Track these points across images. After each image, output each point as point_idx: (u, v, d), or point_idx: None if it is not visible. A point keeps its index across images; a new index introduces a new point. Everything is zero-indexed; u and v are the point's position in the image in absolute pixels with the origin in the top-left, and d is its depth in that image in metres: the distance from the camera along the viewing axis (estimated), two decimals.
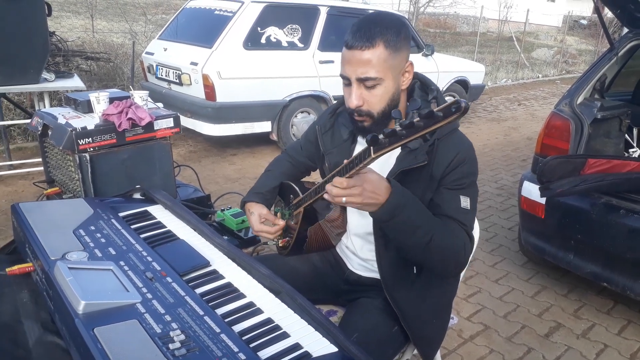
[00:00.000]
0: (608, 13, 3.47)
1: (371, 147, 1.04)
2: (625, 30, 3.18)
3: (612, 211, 2.48)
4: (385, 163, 1.40)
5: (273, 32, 4.94)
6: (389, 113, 1.31)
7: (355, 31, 1.25)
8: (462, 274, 1.62)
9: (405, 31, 1.29)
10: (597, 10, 3.07)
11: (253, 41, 4.81)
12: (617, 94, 3.53)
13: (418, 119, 0.94)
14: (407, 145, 1.29)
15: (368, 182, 1.13)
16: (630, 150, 3.29)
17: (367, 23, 1.26)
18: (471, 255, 1.61)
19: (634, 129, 3.35)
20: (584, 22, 23.39)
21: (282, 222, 1.55)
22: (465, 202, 1.32)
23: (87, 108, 2.10)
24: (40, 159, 2.43)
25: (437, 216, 1.31)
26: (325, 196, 1.18)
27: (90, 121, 1.98)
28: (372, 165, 1.21)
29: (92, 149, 1.94)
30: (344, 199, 1.12)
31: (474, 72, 7.08)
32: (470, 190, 1.35)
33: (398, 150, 1.35)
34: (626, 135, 3.17)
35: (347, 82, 1.31)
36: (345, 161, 1.15)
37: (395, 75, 1.29)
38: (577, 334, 2.57)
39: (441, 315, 1.53)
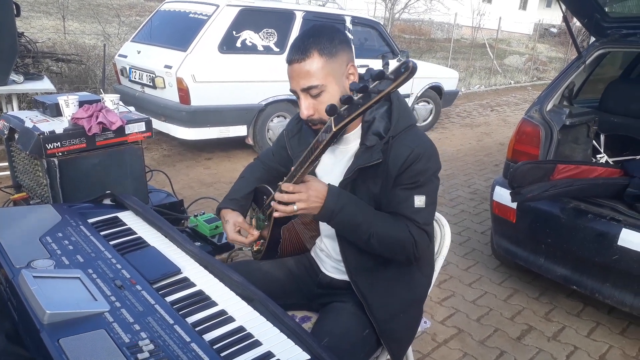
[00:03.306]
0: (576, 22, 3.56)
1: (332, 120, 1.10)
2: (593, 39, 3.27)
3: (581, 216, 2.54)
4: (348, 162, 1.42)
5: (249, 36, 4.92)
6: None
7: (292, 47, 1.34)
8: (434, 276, 1.63)
9: (341, 37, 1.36)
10: (565, 20, 3.14)
11: (228, 45, 4.78)
12: (585, 101, 3.62)
13: (371, 81, 1.00)
14: (364, 143, 1.33)
15: (312, 189, 1.25)
16: (598, 155, 3.37)
17: (301, 37, 1.35)
18: (442, 257, 1.63)
19: (601, 135, 3.43)
20: (554, 30, 23.96)
21: (256, 233, 1.56)
22: (419, 201, 1.36)
23: (56, 111, 2.06)
24: (6, 163, 2.36)
25: (391, 214, 1.38)
26: (275, 207, 1.27)
27: (58, 125, 1.94)
28: (336, 163, 1.32)
29: (60, 154, 1.90)
30: (294, 207, 1.24)
31: (448, 78, 7.17)
32: (427, 187, 1.38)
33: (356, 147, 1.39)
34: (594, 141, 3.25)
35: (296, 95, 1.38)
36: (312, 143, 1.20)
37: (337, 80, 1.35)
38: (548, 336, 2.61)
39: (409, 311, 1.53)
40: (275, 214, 1.29)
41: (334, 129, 1.09)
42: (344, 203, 1.30)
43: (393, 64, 6.17)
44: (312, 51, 1.30)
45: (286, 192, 1.24)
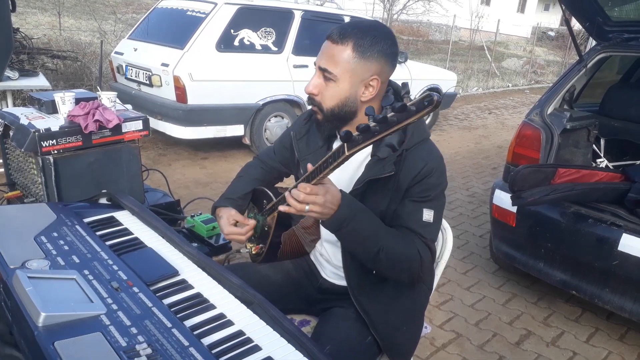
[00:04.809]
0: (575, 25, 3.55)
1: (345, 144, 1.04)
2: (592, 42, 3.26)
3: (581, 220, 2.52)
4: (355, 171, 1.38)
5: (247, 34, 4.89)
6: (338, 115, 1.35)
7: (340, 26, 1.31)
8: (434, 283, 1.61)
9: (385, 47, 1.29)
10: (566, 23, 3.13)
11: (226, 43, 4.74)
12: (585, 105, 3.61)
13: (392, 113, 0.94)
14: (376, 154, 1.31)
15: (329, 193, 1.18)
16: (598, 160, 3.36)
17: (351, 23, 1.31)
18: (444, 262, 1.61)
19: (601, 140, 3.43)
20: (552, 34, 24.05)
21: (252, 222, 1.51)
22: (428, 215, 1.33)
23: (52, 109, 2.02)
24: (0, 161, 2.33)
25: (397, 227, 1.33)
26: (289, 200, 1.19)
27: (54, 122, 1.90)
28: (343, 172, 1.22)
29: (56, 152, 1.87)
30: (306, 207, 1.16)
31: (446, 80, 7.17)
32: (436, 202, 1.35)
33: (368, 158, 1.35)
34: (594, 145, 3.24)
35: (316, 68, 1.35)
36: (320, 161, 1.14)
37: (354, 82, 1.30)
38: (547, 341, 2.60)
39: (412, 323, 1.51)
40: (282, 208, 1.22)
41: (346, 153, 1.04)
42: (355, 212, 1.25)
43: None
44: (349, 41, 1.26)
45: (302, 192, 1.16)
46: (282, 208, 1.23)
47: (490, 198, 2.97)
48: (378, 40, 1.28)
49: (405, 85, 1.37)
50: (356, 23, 1.32)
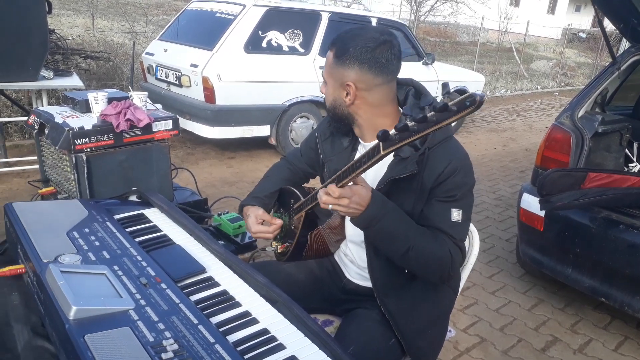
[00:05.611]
0: (608, 26, 3.47)
1: (381, 144, 1.03)
2: (625, 43, 3.18)
3: (612, 226, 2.47)
4: (378, 171, 1.38)
5: (274, 36, 4.92)
6: (334, 116, 1.41)
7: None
8: (460, 287, 1.60)
9: (358, 53, 1.28)
10: (599, 24, 3.07)
11: (254, 45, 4.79)
12: (618, 108, 3.52)
13: (432, 112, 0.92)
14: (398, 154, 1.29)
15: (357, 195, 1.18)
16: (630, 164, 3.28)
17: (351, 29, 1.36)
18: (470, 266, 1.59)
19: (634, 144, 3.34)
20: (583, 35, 23.52)
21: (279, 221, 1.53)
22: (456, 214, 1.31)
23: (85, 108, 2.08)
24: (36, 157, 2.39)
25: (427, 228, 1.32)
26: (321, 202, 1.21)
27: (87, 121, 1.95)
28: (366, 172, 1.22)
29: (88, 149, 1.92)
30: (330, 206, 1.18)
31: (474, 81, 7.07)
32: (464, 201, 1.33)
33: (390, 158, 1.34)
34: (626, 149, 3.16)
35: None
36: (354, 160, 1.15)
37: (334, 85, 1.36)
38: (574, 349, 2.55)
39: (437, 326, 1.50)
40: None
41: (382, 153, 1.03)
42: (385, 212, 1.24)
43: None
44: (333, 47, 1.34)
45: (329, 195, 1.17)
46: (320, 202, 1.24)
47: (518, 201, 2.92)
48: (356, 46, 1.28)
49: (445, 85, 1.37)
50: (353, 29, 1.36)
